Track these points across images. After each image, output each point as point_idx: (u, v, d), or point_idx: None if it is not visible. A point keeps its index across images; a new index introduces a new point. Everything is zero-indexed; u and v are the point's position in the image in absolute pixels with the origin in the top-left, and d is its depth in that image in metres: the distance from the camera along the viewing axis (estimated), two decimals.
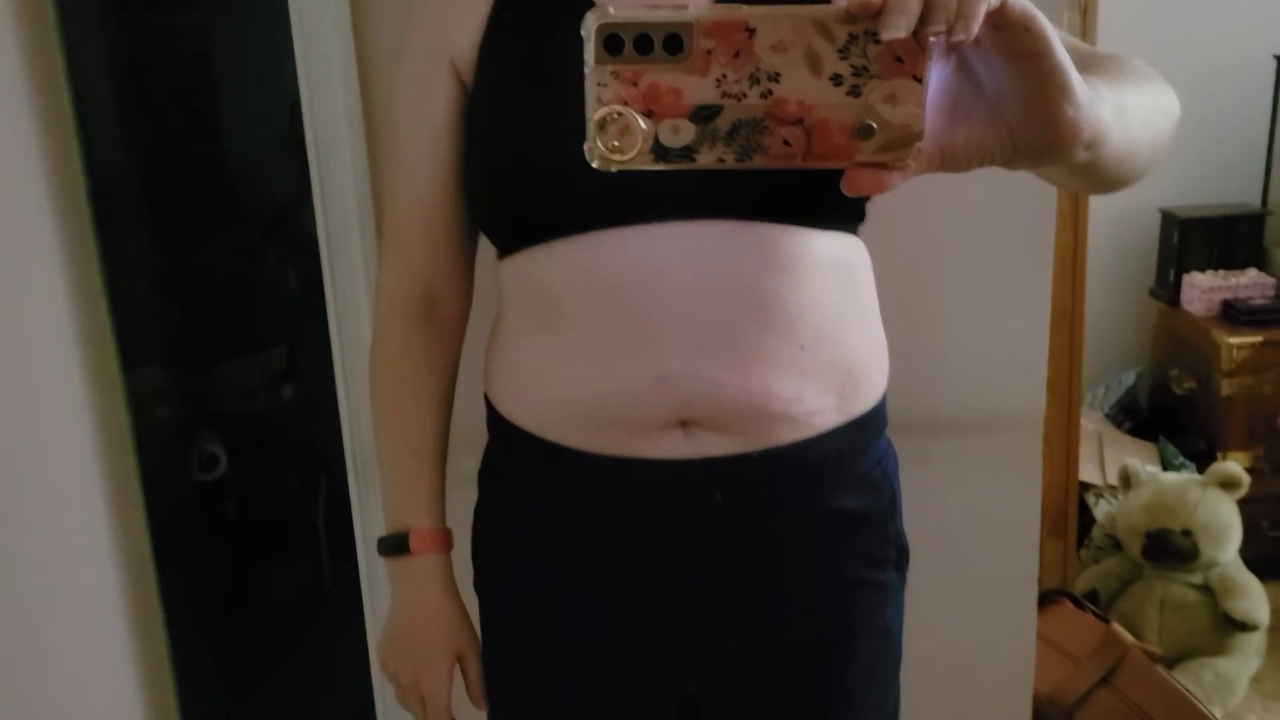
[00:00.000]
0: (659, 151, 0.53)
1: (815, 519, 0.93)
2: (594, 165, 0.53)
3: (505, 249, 0.93)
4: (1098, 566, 2.46)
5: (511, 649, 1.00)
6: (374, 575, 1.47)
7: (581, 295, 0.87)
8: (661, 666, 0.95)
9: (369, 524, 1.44)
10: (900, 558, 1.01)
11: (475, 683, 1.01)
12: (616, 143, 0.53)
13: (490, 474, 1.02)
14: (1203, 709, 1.56)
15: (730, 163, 0.53)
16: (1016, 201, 1.31)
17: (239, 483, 2.49)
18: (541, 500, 0.96)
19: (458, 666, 1.01)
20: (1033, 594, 1.41)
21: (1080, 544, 2.56)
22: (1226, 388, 2.59)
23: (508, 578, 0.99)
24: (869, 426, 0.96)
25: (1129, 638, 1.64)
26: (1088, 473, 2.64)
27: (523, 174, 0.88)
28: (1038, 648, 1.50)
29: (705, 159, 0.53)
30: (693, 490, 0.89)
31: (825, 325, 0.89)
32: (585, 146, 0.53)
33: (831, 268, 0.90)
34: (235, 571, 2.60)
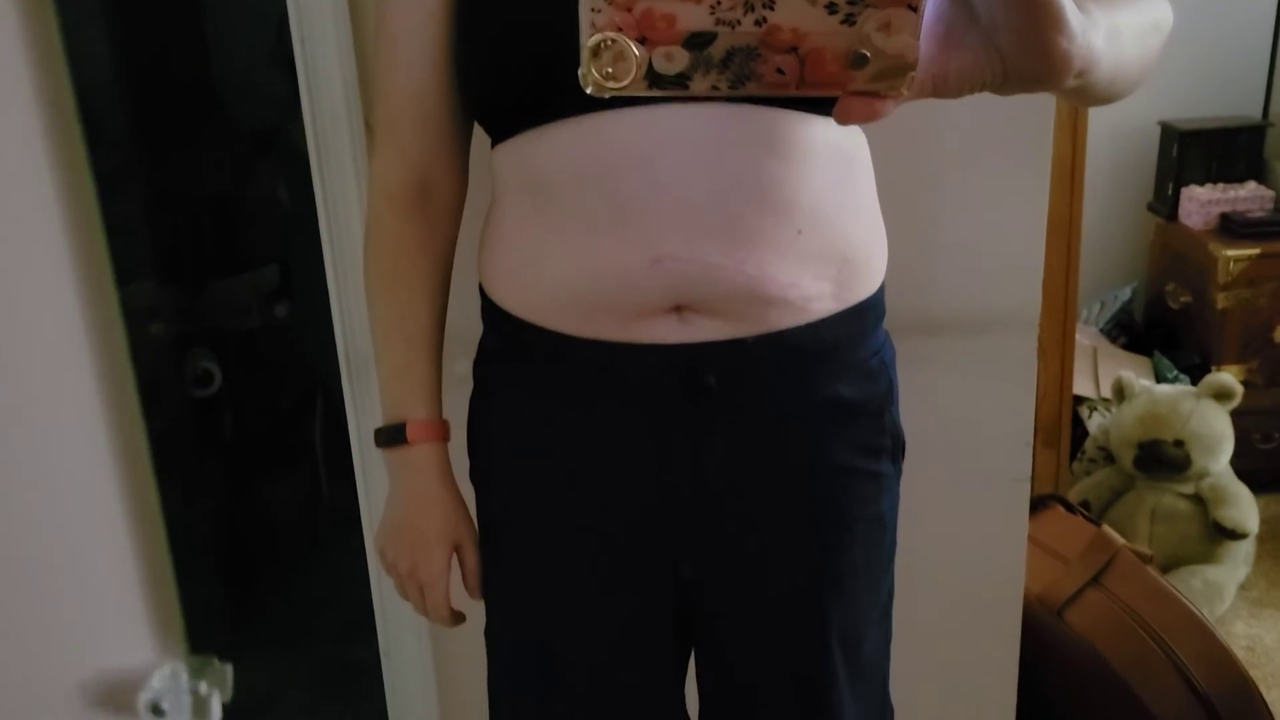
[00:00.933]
0: (652, 79, 0.53)
1: (811, 406, 0.93)
2: (588, 91, 0.54)
3: (498, 135, 0.92)
4: (1090, 478, 2.48)
5: (507, 538, 1.01)
6: (371, 491, 1.47)
7: (575, 178, 0.86)
8: (656, 551, 0.96)
9: (366, 440, 1.44)
10: (896, 448, 1.01)
11: (473, 572, 1.02)
12: (610, 69, 0.53)
13: (485, 363, 1.01)
14: (1191, 607, 1.58)
15: (724, 90, 0.54)
16: (1015, 105, 1.29)
17: (234, 400, 2.49)
18: (536, 387, 0.95)
19: (455, 557, 1.02)
20: (1025, 494, 1.42)
21: (1073, 457, 2.58)
22: (1222, 301, 2.59)
23: (502, 466, 0.99)
24: (866, 315, 0.95)
25: (1119, 539, 1.66)
26: (1081, 386, 2.66)
27: (515, 56, 0.86)
28: (1029, 550, 1.52)
29: (699, 86, 0.54)
30: (687, 375, 0.89)
31: (822, 210, 0.88)
32: (579, 73, 0.53)
33: (829, 153, 0.89)
34: (233, 488, 2.61)
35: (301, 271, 2.63)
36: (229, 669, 0.49)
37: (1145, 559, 1.62)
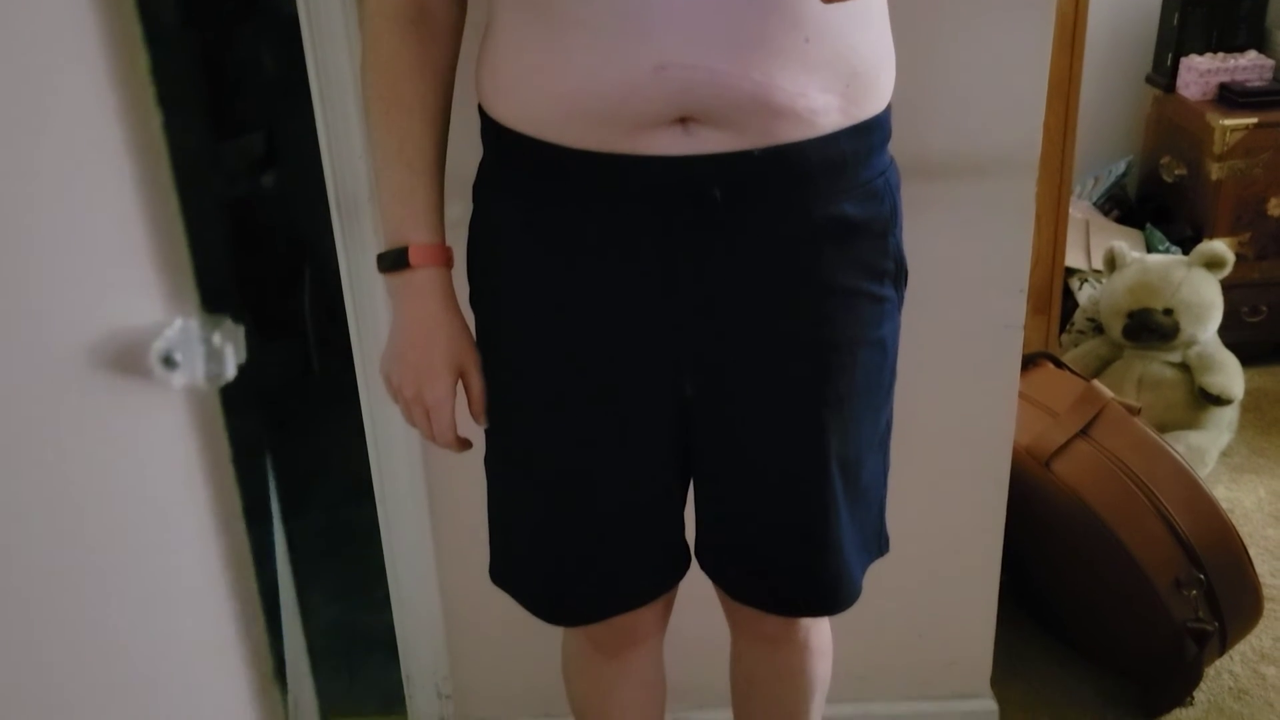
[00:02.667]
0: None
1: (815, 223, 0.92)
2: None
3: None
4: (1078, 349, 2.50)
5: (510, 359, 1.01)
6: (368, 362, 1.47)
7: None
8: (659, 369, 0.96)
9: (362, 313, 1.43)
10: (899, 273, 1.01)
11: (478, 398, 1.02)
12: None
13: (485, 184, 1.00)
14: (1177, 457, 1.61)
15: None
16: None
17: (222, 269, 2.46)
18: (538, 204, 0.94)
19: (460, 382, 1.02)
20: (1018, 341, 1.42)
21: (1063, 329, 2.60)
22: (1216, 172, 2.57)
23: (504, 287, 0.99)
24: (874, 133, 0.94)
25: (1108, 393, 1.67)
26: (1073, 259, 2.65)
27: None
28: (1019, 406, 1.54)
29: None
30: (692, 188, 0.88)
31: (831, 19, 0.86)
32: None
33: None
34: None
35: (288, 140, 2.59)
36: (242, 329, 0.49)
37: (1134, 411, 1.64)
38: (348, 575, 1.93)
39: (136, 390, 0.49)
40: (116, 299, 0.48)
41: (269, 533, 1.86)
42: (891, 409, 1.07)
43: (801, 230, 0.92)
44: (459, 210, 1.07)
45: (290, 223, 2.61)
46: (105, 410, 0.49)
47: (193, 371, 0.48)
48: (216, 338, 0.48)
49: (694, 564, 1.14)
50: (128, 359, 0.47)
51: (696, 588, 1.20)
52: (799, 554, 1.02)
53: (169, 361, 0.47)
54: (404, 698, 1.63)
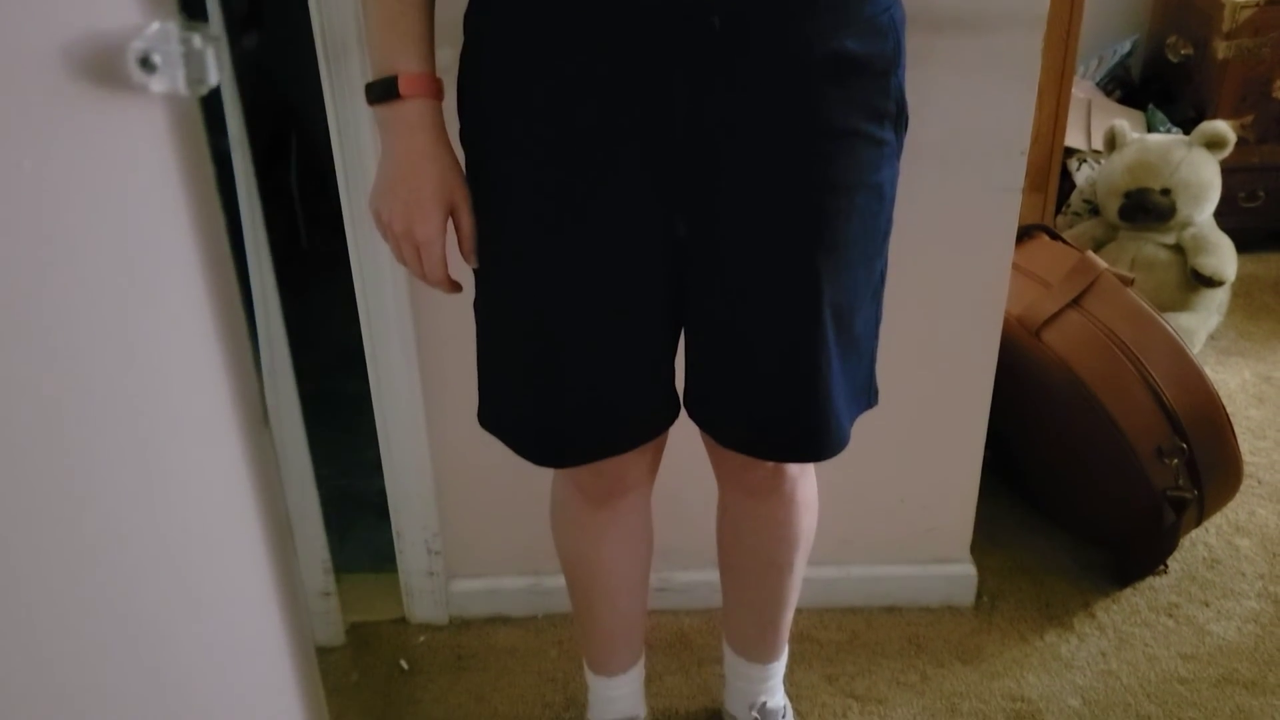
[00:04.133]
0: None
1: (816, 58, 0.89)
2: None
3: None
4: (1073, 229, 2.48)
5: (500, 196, 0.99)
6: (359, 230, 1.44)
7: None
8: (652, 207, 0.94)
9: (352, 175, 1.39)
10: (900, 117, 0.98)
11: (468, 235, 1.00)
12: None
13: (475, 14, 0.96)
14: (1168, 328, 1.60)
15: None
16: None
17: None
18: (530, 35, 0.91)
19: (450, 220, 1.00)
20: (1015, 204, 1.41)
21: (1059, 209, 2.58)
22: (1223, 51, 2.52)
23: (495, 121, 0.96)
24: None
25: (1101, 263, 1.66)
26: (1073, 138, 2.62)
27: None
28: (1013, 277, 1.53)
29: None
30: (691, 16, 0.85)
31: None
32: None
33: None
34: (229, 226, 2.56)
35: (272, 1, 2.50)
36: (224, 40, 0.47)
37: (1127, 282, 1.64)
38: (340, 441, 1.94)
39: (116, 99, 0.47)
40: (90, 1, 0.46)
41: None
42: (886, 260, 1.06)
43: (802, 65, 0.89)
44: (447, 56, 1.04)
45: (277, 91, 2.55)
46: (83, 121, 0.47)
47: (173, 76, 0.46)
48: (197, 40, 0.45)
49: (682, 433, 1.14)
50: (105, 64, 0.45)
51: (685, 448, 1.20)
52: (788, 398, 1.01)
53: (147, 64, 0.45)
54: (394, 554, 1.66)
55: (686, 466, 1.28)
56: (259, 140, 2.80)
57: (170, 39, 0.45)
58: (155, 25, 0.45)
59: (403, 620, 1.69)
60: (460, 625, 1.68)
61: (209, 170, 0.52)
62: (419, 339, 1.52)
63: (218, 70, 0.45)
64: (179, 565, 0.62)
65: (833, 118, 0.92)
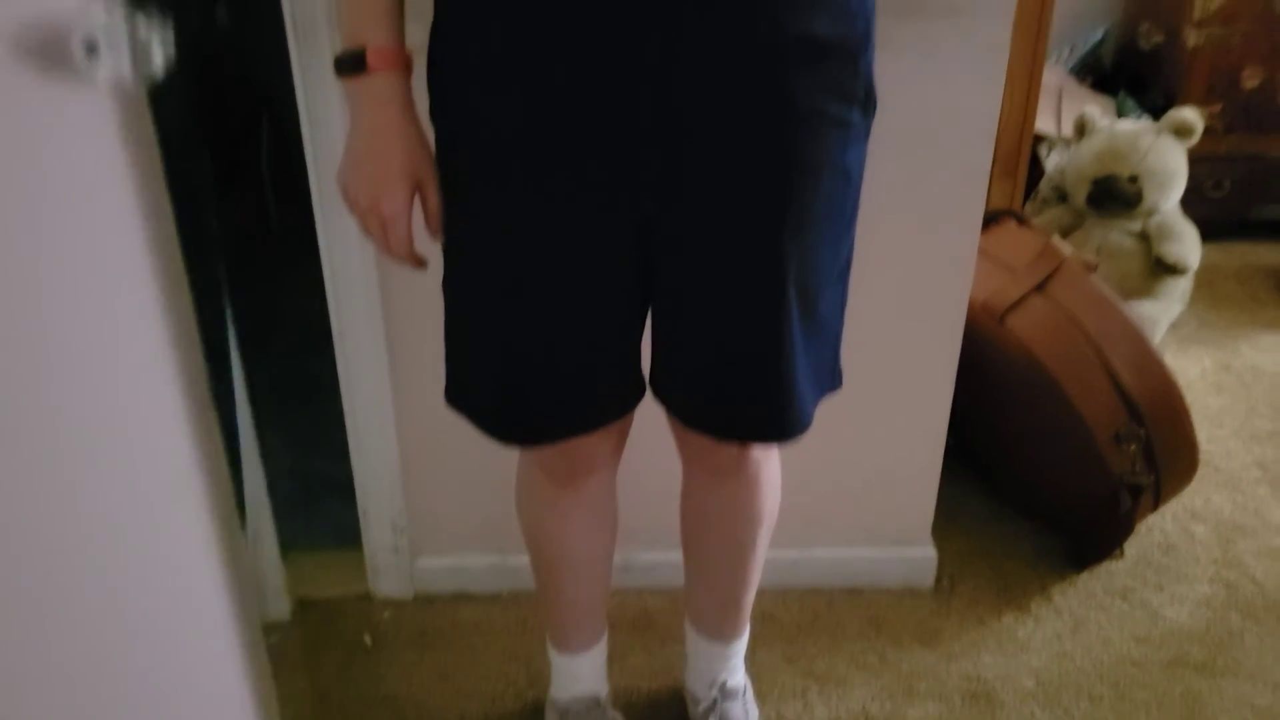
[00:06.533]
0: None
1: (786, 38, 0.90)
2: None
3: None
4: (1041, 216, 2.50)
5: (469, 171, 0.98)
6: (328, 210, 1.43)
7: None
8: (619, 185, 0.94)
9: (321, 156, 1.39)
10: (868, 99, 0.99)
11: (434, 211, 1.00)
12: None
13: None
14: (1127, 314, 1.63)
15: None
16: None
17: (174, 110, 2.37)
18: (500, 9, 0.91)
19: (417, 195, 1.00)
20: (982, 187, 1.42)
21: (1028, 196, 2.59)
22: (1194, 39, 2.54)
23: (464, 96, 0.96)
24: None
25: (1066, 249, 1.68)
26: (1043, 124, 2.63)
27: None
28: (979, 262, 1.54)
29: None
30: None
31: None
32: None
33: None
34: (176, 210, 2.53)
35: None
36: (170, 24, 0.47)
37: (1090, 268, 1.65)
38: (308, 421, 1.94)
39: (60, 84, 0.46)
40: None
41: (228, 375, 1.85)
42: (852, 242, 1.06)
43: (770, 45, 0.89)
44: (417, 34, 1.04)
45: (246, 69, 2.52)
46: (27, 104, 0.47)
47: (118, 63, 0.46)
48: (142, 28, 0.45)
49: (648, 414, 1.15)
50: (48, 48, 0.45)
51: (649, 431, 1.21)
52: (753, 379, 1.02)
53: (92, 49, 0.45)
54: (359, 532, 1.66)
55: (651, 447, 1.29)
56: (229, 118, 2.77)
57: (115, 24, 0.45)
58: (100, 11, 0.45)
59: (367, 597, 1.69)
60: (425, 601, 1.69)
61: (155, 155, 0.52)
62: (387, 318, 1.52)
63: (164, 59, 0.45)
64: (122, 542, 0.62)
65: (801, 98, 0.92)
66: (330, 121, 1.36)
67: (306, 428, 1.95)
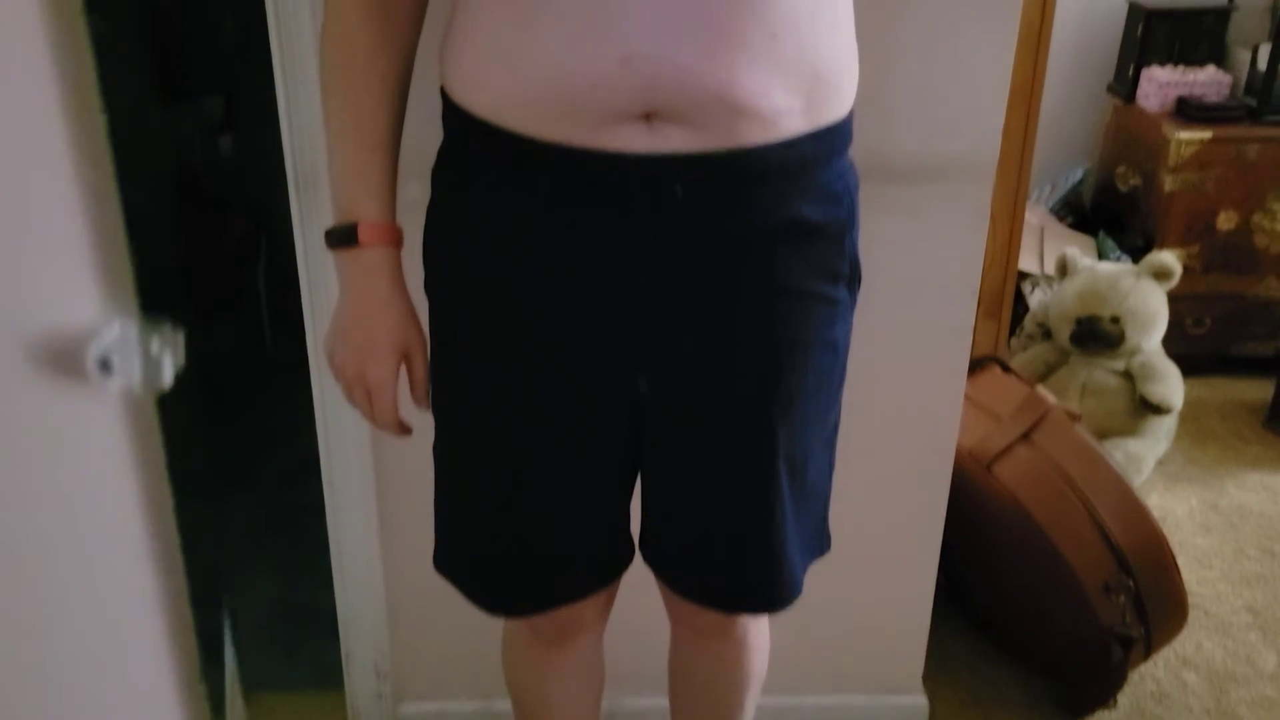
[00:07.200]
0: None
1: (774, 225, 0.93)
2: None
3: None
4: (1026, 353, 2.54)
5: (462, 347, 1.00)
6: (319, 327, 1.45)
7: None
8: (613, 364, 0.96)
9: (316, 288, 1.41)
10: (853, 276, 1.02)
11: (420, 382, 1.02)
12: None
13: (445, 170, 0.99)
14: (1114, 466, 1.64)
15: None
16: None
17: (175, 236, 2.42)
18: (498, 192, 0.94)
19: (404, 366, 1.01)
20: (966, 344, 1.45)
21: (1012, 332, 2.64)
22: (1170, 184, 2.62)
23: (459, 275, 0.98)
24: (834, 138, 0.95)
25: (1051, 398, 1.70)
26: (1026, 262, 2.69)
27: None
28: (964, 409, 1.56)
29: None
30: (654, 185, 0.88)
31: (799, 17, 0.87)
32: None
33: None
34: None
35: (246, 106, 2.55)
36: (181, 335, 0.49)
37: (1074, 418, 1.68)
38: (291, 551, 1.92)
39: (71, 389, 0.48)
40: (52, 295, 0.47)
41: (208, 512, 1.84)
42: (839, 408, 1.08)
43: (759, 230, 0.92)
44: (415, 191, 1.07)
45: (247, 191, 2.58)
46: (37, 407, 0.48)
47: (129, 377, 0.47)
48: (155, 345, 0.47)
49: (636, 561, 1.15)
50: (63, 359, 0.47)
51: (638, 576, 1.21)
52: (742, 551, 1.03)
53: (105, 366, 0.47)
54: (341, 675, 1.63)
55: (640, 593, 1.28)
56: (228, 239, 2.81)
57: (129, 342, 0.47)
58: (116, 326, 0.47)
59: None
60: None
61: (160, 456, 0.53)
62: (375, 451, 1.52)
63: (173, 371, 0.47)
64: (79, 686, 0.60)
65: (789, 280, 0.95)
66: (329, 258, 1.38)
67: (290, 559, 1.93)
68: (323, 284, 1.41)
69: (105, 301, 0.48)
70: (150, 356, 0.47)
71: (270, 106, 1.36)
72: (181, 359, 0.49)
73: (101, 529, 0.55)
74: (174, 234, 2.35)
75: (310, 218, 1.38)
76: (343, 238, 0.96)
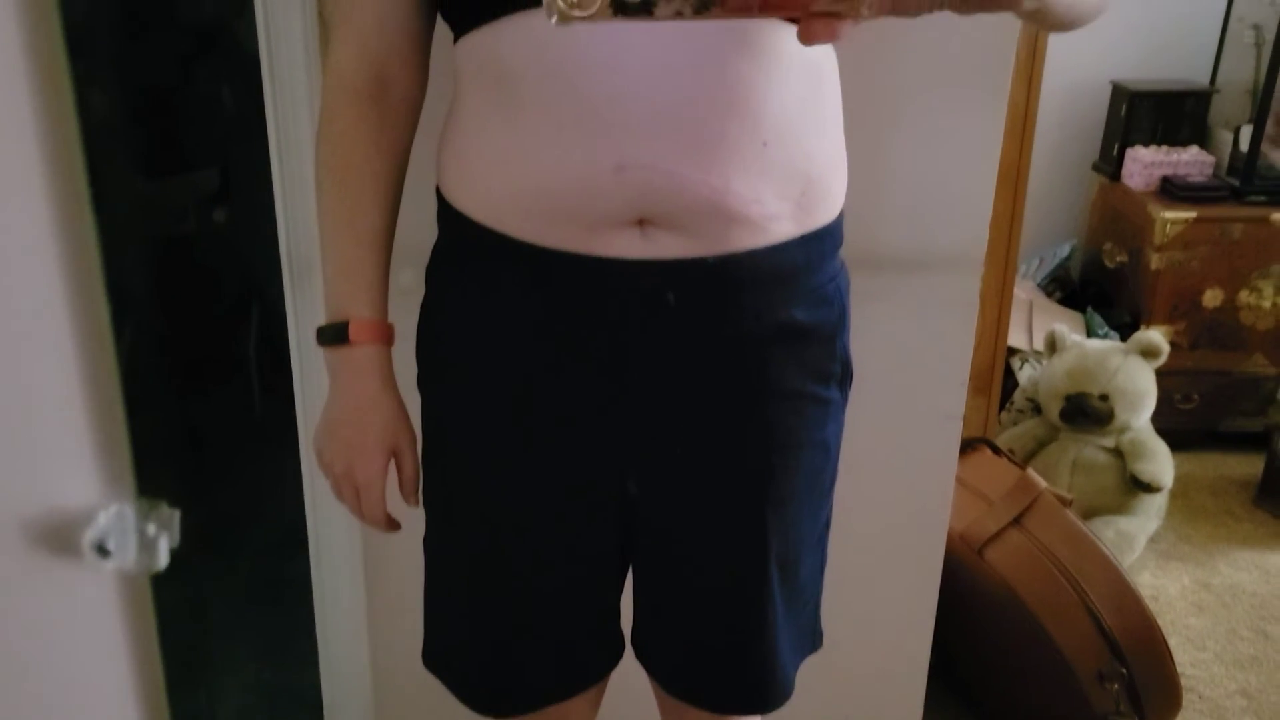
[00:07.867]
0: (618, 6, 0.54)
1: (766, 329, 0.93)
2: (553, 22, 0.54)
3: (462, 25, 0.90)
4: (1016, 428, 2.54)
5: (453, 446, 1.00)
6: (309, 403, 1.45)
7: (540, 73, 0.84)
8: (604, 467, 0.96)
9: (305, 349, 1.42)
10: (845, 376, 1.02)
11: (410, 479, 1.01)
12: None
13: (439, 266, 1.00)
14: (1105, 551, 1.64)
15: (688, 15, 0.55)
16: (974, 41, 1.30)
17: (166, 305, 2.43)
18: (491, 295, 0.94)
19: (393, 462, 1.01)
20: (957, 431, 1.45)
21: (1002, 407, 2.64)
22: (1156, 262, 2.65)
23: (452, 373, 0.99)
24: (825, 241, 0.96)
25: (1042, 483, 1.70)
26: (1015, 338, 2.71)
27: None
28: (955, 491, 1.56)
29: (663, 12, 0.55)
30: (646, 291, 0.89)
31: (790, 124, 0.88)
32: (544, 2, 0.53)
33: (800, 64, 0.88)
34: (162, 397, 2.55)
35: (241, 178, 2.57)
36: (177, 514, 0.49)
37: (1065, 502, 1.68)
38: (275, 629, 1.90)
39: (65, 568, 0.48)
40: (49, 475, 0.47)
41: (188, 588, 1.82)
42: (831, 506, 1.08)
43: (751, 334, 0.93)
44: (408, 278, 1.07)
45: (240, 261, 2.59)
46: (31, 585, 0.48)
47: (124, 559, 0.47)
48: (151, 528, 0.47)
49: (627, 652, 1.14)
50: (59, 540, 0.47)
51: (629, 666, 1.19)
52: (734, 652, 1.02)
53: (102, 550, 0.47)
54: None
55: (630, 685, 1.26)
56: (219, 306, 2.81)
57: (126, 526, 0.47)
58: (113, 509, 0.47)
59: None
60: None
61: (152, 631, 0.53)
62: (364, 529, 1.50)
63: (169, 551, 0.47)
64: None
65: (781, 382, 0.95)
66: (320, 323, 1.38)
67: (274, 637, 1.90)
68: (313, 358, 1.41)
69: (102, 481, 0.48)
70: (146, 539, 0.47)
71: (265, 177, 1.38)
72: (177, 538, 0.49)
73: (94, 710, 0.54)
74: (163, 304, 2.36)
75: (302, 290, 1.38)
76: (334, 335, 0.96)
